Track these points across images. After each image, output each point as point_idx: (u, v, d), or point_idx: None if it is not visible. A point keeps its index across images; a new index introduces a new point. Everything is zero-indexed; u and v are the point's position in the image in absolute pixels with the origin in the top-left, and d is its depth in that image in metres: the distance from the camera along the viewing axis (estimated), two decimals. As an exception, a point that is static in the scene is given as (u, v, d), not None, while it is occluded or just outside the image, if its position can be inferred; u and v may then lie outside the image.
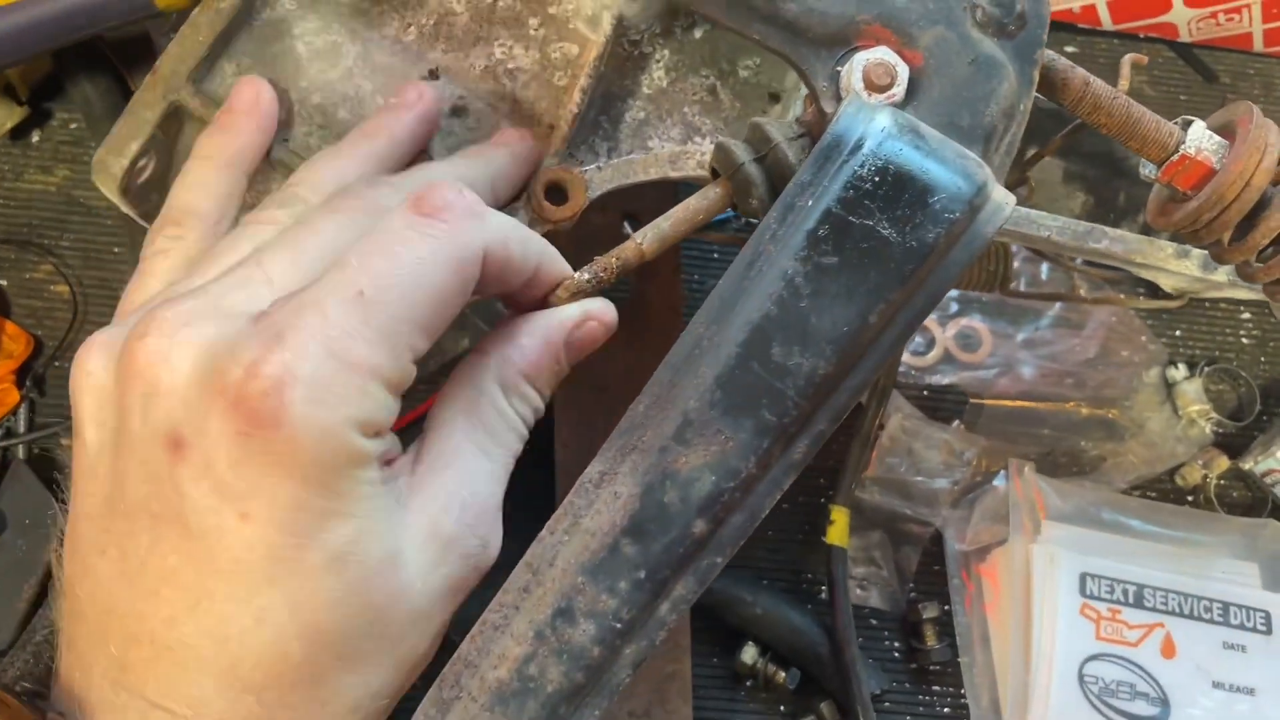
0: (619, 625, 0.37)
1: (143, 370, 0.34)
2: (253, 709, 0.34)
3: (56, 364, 0.67)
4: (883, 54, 0.45)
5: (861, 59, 0.45)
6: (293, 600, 0.34)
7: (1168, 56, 0.88)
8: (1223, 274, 0.53)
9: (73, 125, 0.72)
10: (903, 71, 0.45)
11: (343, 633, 0.35)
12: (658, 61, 0.58)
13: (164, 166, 0.54)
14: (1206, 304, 0.78)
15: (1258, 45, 0.85)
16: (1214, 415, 0.74)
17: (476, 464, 0.39)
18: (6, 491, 0.62)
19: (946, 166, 0.40)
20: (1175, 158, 0.48)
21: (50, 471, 0.64)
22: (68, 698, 0.36)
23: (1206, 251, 0.51)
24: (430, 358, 0.40)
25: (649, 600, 0.37)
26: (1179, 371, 0.75)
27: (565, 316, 0.41)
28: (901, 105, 0.45)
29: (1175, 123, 0.49)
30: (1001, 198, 0.41)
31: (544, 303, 0.42)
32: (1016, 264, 0.74)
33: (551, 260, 0.41)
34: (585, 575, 0.37)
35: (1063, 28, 0.86)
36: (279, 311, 0.34)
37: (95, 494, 0.37)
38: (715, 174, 0.45)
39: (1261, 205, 0.48)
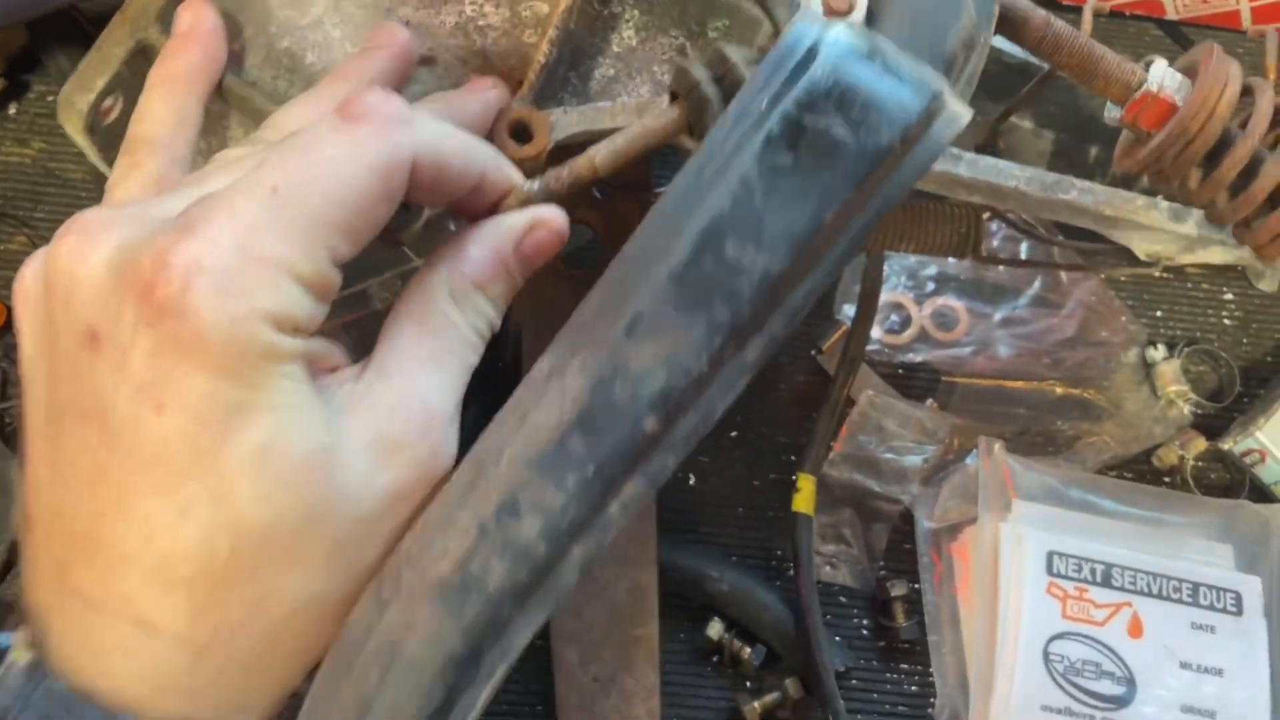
0: (566, 522, 0.36)
1: (63, 269, 0.35)
2: (181, 604, 0.33)
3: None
4: (843, -21, 0.45)
5: (822, -17, 0.45)
6: (215, 494, 0.33)
7: (1155, 35, 0.89)
8: (1192, 224, 0.53)
9: (49, 98, 0.72)
10: (862, -2, 0.45)
11: (272, 529, 0.34)
12: (627, 21, 0.58)
13: (130, 107, 0.54)
14: (1189, 284, 0.78)
15: (1245, 23, 0.85)
16: (1193, 396, 0.74)
17: (425, 372, 0.38)
18: None
19: (902, 74, 0.40)
20: (1138, 96, 0.48)
21: (19, 441, 0.63)
22: (28, 607, 0.36)
23: (1175, 203, 0.52)
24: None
25: (598, 497, 0.36)
26: (1158, 352, 0.75)
27: (512, 223, 0.41)
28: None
29: (1143, 62, 0.49)
30: (958, 108, 0.41)
31: (493, 213, 0.41)
32: (995, 243, 0.74)
33: (498, 168, 0.41)
34: (531, 470, 0.36)
35: (1049, 4, 0.87)
36: (193, 209, 0.34)
37: (35, 401, 0.37)
38: (675, 97, 0.45)
39: (1225, 143, 0.48)
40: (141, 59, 0.53)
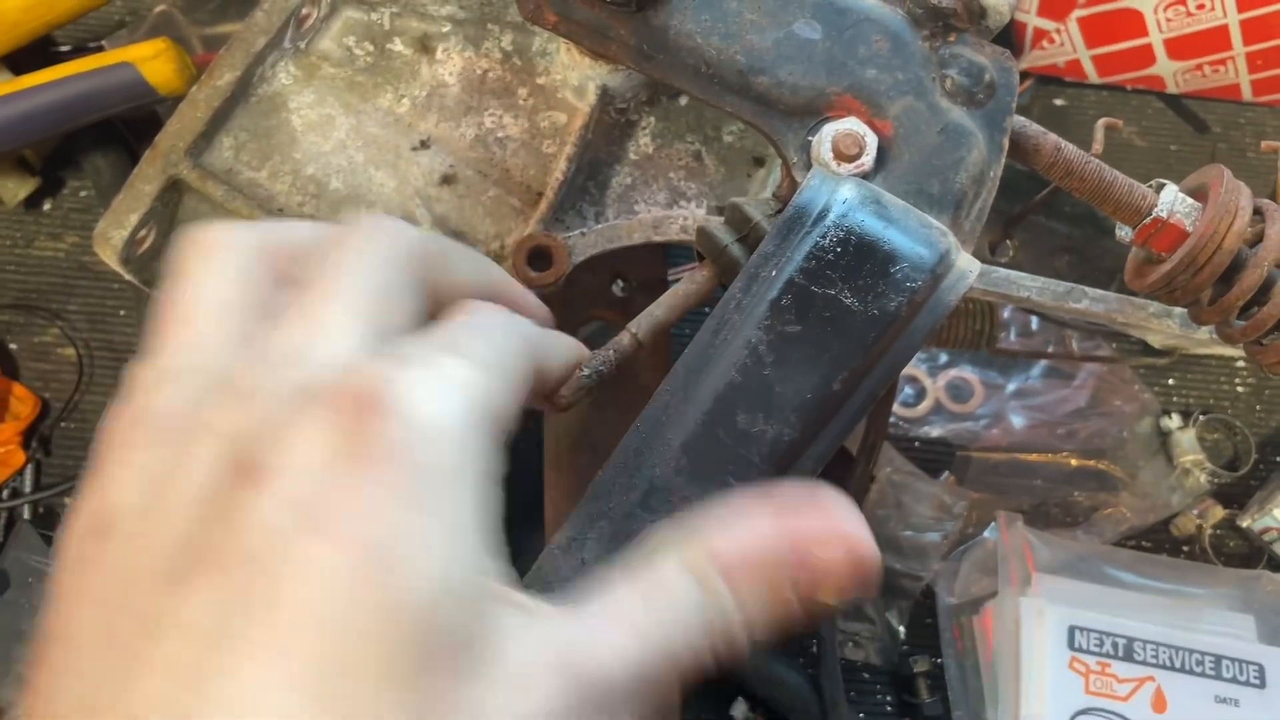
0: None
1: (225, 407, 0.28)
2: None
3: (63, 425, 0.68)
4: (851, 124, 0.45)
5: (830, 129, 0.45)
6: (362, 633, 0.25)
7: (1157, 107, 0.88)
8: (1204, 332, 0.53)
9: (83, 193, 0.73)
10: (871, 141, 0.45)
11: (407, 676, 0.26)
12: (644, 129, 0.58)
13: (163, 236, 0.55)
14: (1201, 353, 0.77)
15: (1246, 95, 0.85)
16: (1209, 465, 0.74)
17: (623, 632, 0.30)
18: (10, 551, 0.63)
19: (909, 235, 0.40)
20: (1149, 220, 0.48)
21: (55, 532, 0.65)
22: None
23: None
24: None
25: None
26: (1173, 421, 0.75)
27: (805, 524, 0.32)
28: (871, 174, 0.45)
29: (1149, 186, 0.49)
30: (966, 265, 0.41)
31: (552, 400, 0.41)
32: (1006, 314, 0.74)
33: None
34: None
35: (1052, 81, 0.86)
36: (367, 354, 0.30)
37: (112, 565, 0.27)
38: (701, 257, 0.46)
39: (1236, 267, 0.48)
40: (172, 193, 0.54)
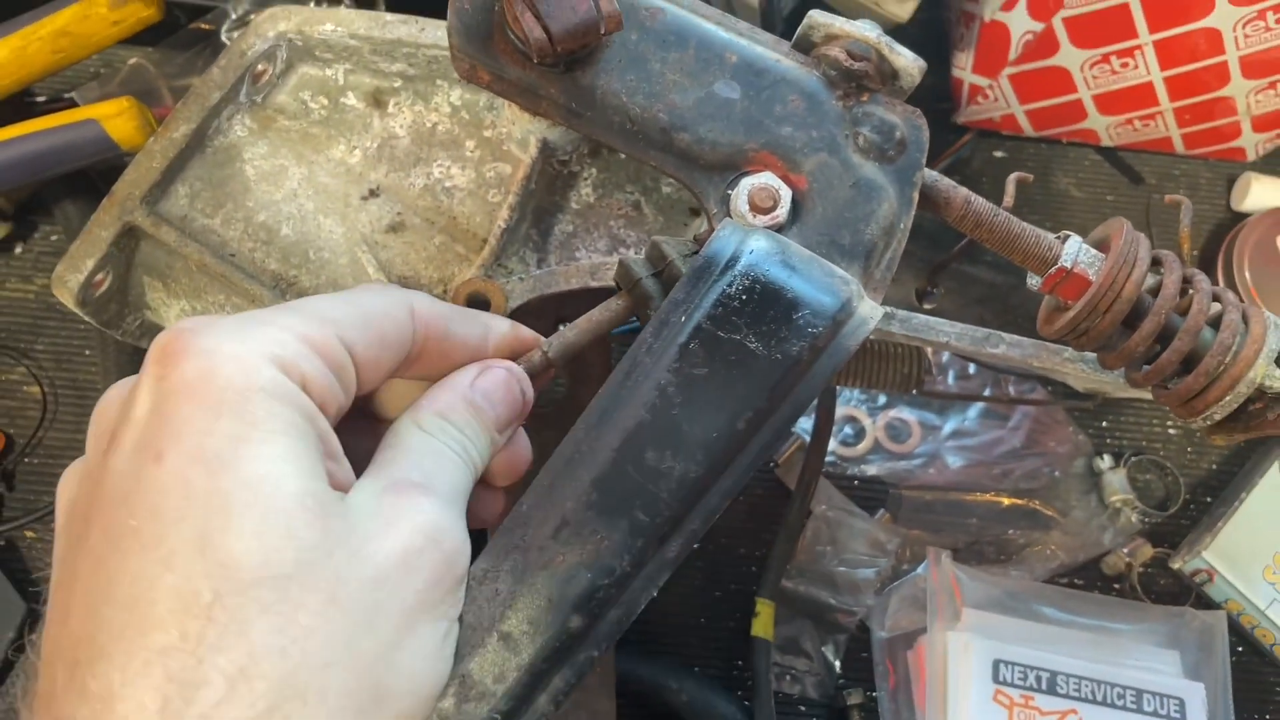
0: (498, 717, 0.37)
1: (97, 419, 0.35)
2: (158, 674, 0.29)
3: (26, 460, 0.69)
4: (767, 179, 0.47)
5: (747, 183, 0.47)
6: (201, 537, 0.30)
7: (1094, 159, 0.91)
8: (1116, 375, 0.54)
9: (53, 237, 0.75)
10: (785, 195, 0.47)
11: (261, 572, 0.30)
12: (586, 179, 0.60)
13: (120, 280, 0.57)
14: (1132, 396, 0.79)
15: (1178, 148, 0.87)
16: (1140, 505, 0.75)
17: (418, 464, 0.37)
18: None
19: (813, 284, 0.42)
20: (1054, 270, 0.50)
21: (15, 564, 0.65)
22: None
23: (1100, 355, 0.53)
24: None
25: (527, 693, 0.38)
26: (1105, 462, 0.76)
27: (466, 368, 0.42)
28: (786, 226, 0.47)
29: (1056, 237, 0.51)
30: (867, 311, 0.43)
31: None
32: (945, 358, 0.76)
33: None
34: (465, 668, 0.38)
35: (991, 134, 0.89)
36: None
37: (58, 548, 0.34)
38: (619, 287, 0.47)
39: (1139, 314, 0.49)
40: (129, 238, 0.55)
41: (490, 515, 0.43)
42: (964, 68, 0.82)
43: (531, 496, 0.40)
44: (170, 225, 0.55)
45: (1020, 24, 0.74)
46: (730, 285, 0.41)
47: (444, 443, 0.39)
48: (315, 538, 0.31)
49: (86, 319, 0.57)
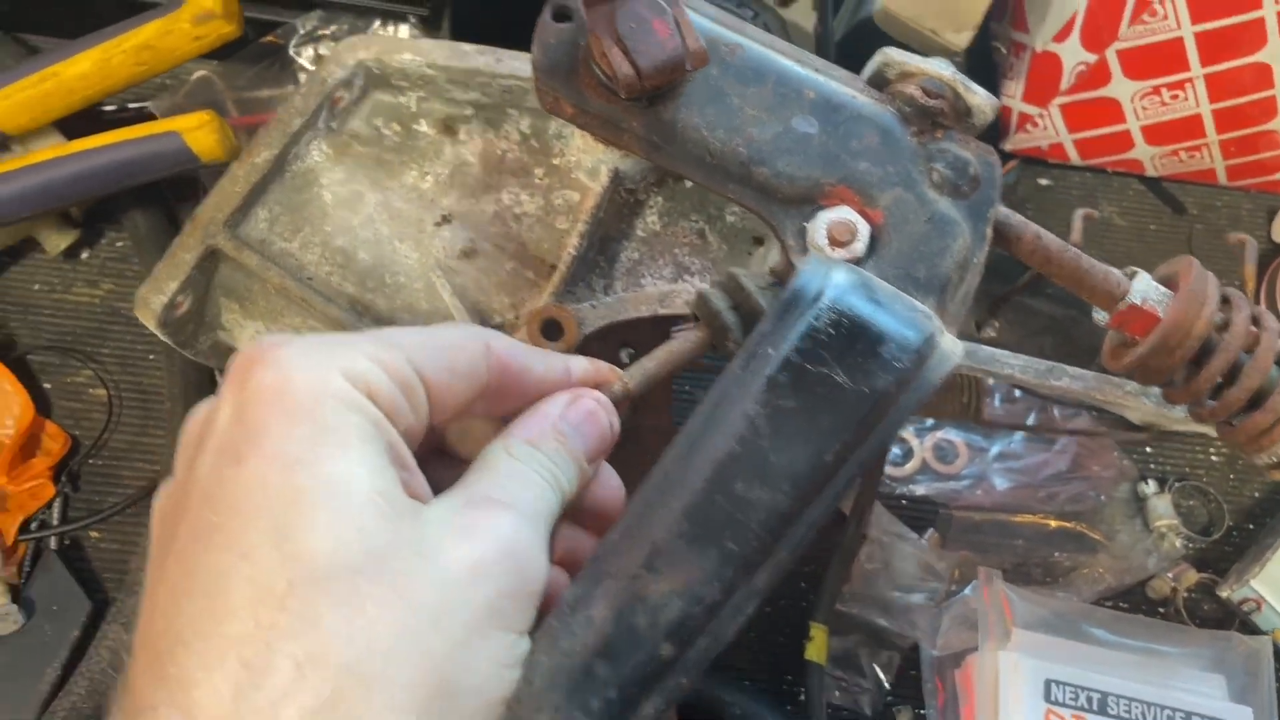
0: None
1: (184, 436, 0.36)
2: (232, 661, 0.30)
3: (91, 462, 0.70)
4: (845, 213, 0.48)
5: (825, 217, 0.48)
6: (278, 531, 0.31)
7: (1137, 189, 0.91)
8: (1180, 410, 0.55)
9: (119, 244, 0.75)
10: (863, 229, 0.47)
11: (330, 563, 0.31)
12: (652, 208, 0.61)
13: (199, 302, 0.57)
14: (1176, 424, 0.79)
15: (1221, 179, 0.87)
16: (1184, 531, 0.75)
17: (503, 486, 0.38)
18: (38, 579, 0.64)
19: (897, 318, 0.42)
20: (1123, 306, 0.50)
21: (80, 563, 0.66)
22: None
23: (1161, 391, 0.53)
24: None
25: (619, 718, 0.38)
26: (1149, 487, 0.76)
27: (557, 396, 0.42)
28: (862, 259, 0.48)
29: (1124, 273, 0.51)
30: (949, 346, 0.43)
31: None
32: (991, 381, 0.76)
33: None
34: (560, 694, 0.38)
35: (1036, 162, 0.89)
36: None
37: (152, 554, 0.35)
38: (697, 319, 0.48)
39: (1206, 351, 0.50)
40: (210, 261, 0.56)
41: (580, 556, 0.44)
42: (1013, 96, 0.82)
43: (622, 525, 0.40)
44: (251, 249, 0.56)
45: (1073, 55, 0.75)
46: (817, 319, 0.41)
47: (532, 468, 0.39)
48: (386, 535, 0.33)
49: (163, 339, 0.58)
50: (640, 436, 0.65)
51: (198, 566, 0.32)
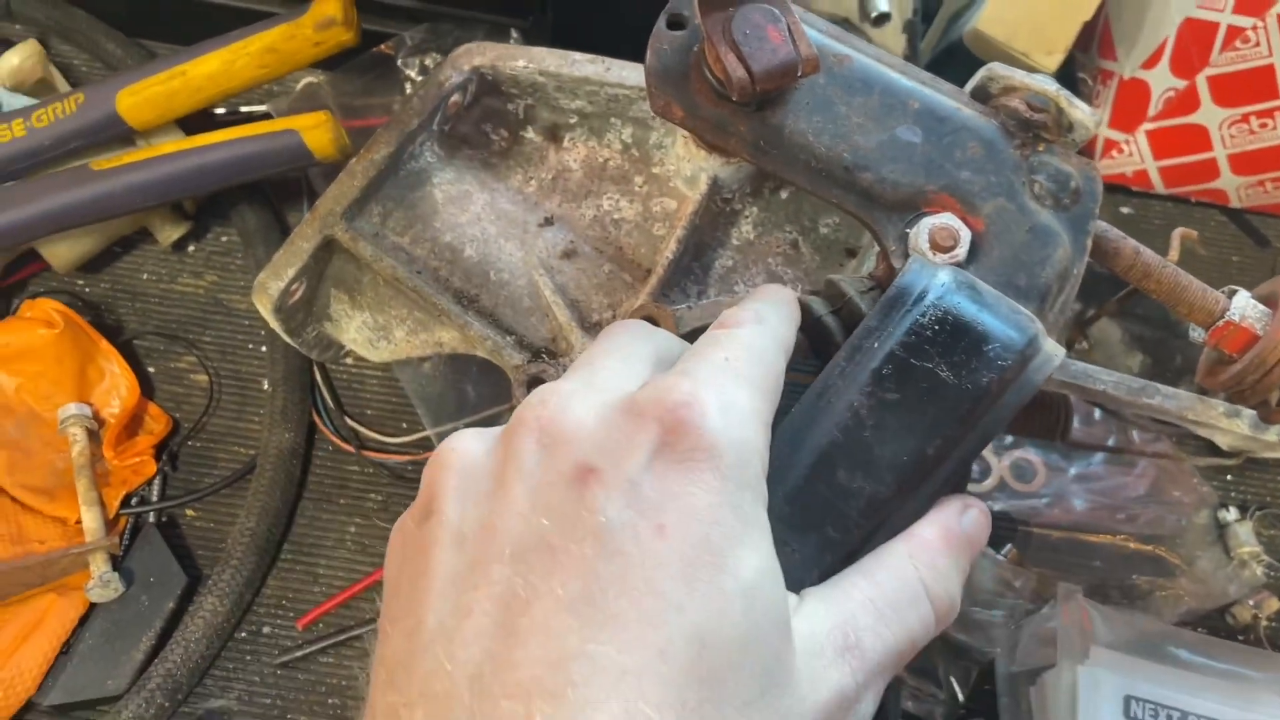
0: None
1: (539, 427, 0.34)
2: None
3: (190, 444, 0.72)
4: (947, 219, 0.48)
5: (928, 223, 0.48)
6: (699, 626, 0.30)
7: (1220, 220, 0.90)
8: (1274, 433, 0.55)
9: (224, 238, 0.78)
10: (965, 235, 0.48)
11: (733, 672, 0.30)
12: (746, 217, 0.62)
13: (311, 290, 0.59)
14: (1258, 451, 0.78)
15: (1307, 210, 0.87)
16: (1265, 558, 0.74)
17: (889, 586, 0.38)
18: (137, 552, 0.66)
19: (1001, 319, 0.43)
20: (1221, 323, 0.50)
21: (175, 539, 0.68)
22: None
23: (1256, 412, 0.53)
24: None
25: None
26: (1230, 514, 0.76)
27: (952, 504, 0.42)
28: (964, 265, 0.48)
29: (1222, 291, 0.51)
30: (1052, 349, 0.44)
31: None
32: (1080, 400, 0.76)
33: None
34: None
35: (1118, 189, 0.89)
36: (677, 365, 0.37)
37: (450, 563, 0.33)
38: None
39: (1305, 370, 0.49)
40: (325, 251, 0.58)
41: None
42: (1100, 123, 0.82)
43: (727, 508, 0.41)
44: (365, 240, 0.58)
45: (1162, 81, 0.75)
46: (923, 315, 0.42)
47: (920, 578, 0.38)
48: (775, 647, 0.32)
49: (274, 326, 0.60)
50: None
51: (607, 639, 0.29)
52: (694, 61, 0.50)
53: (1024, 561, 0.71)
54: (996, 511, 0.74)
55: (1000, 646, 0.68)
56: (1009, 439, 0.77)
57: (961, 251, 0.48)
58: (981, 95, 0.52)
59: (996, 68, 0.51)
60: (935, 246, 0.48)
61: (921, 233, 0.48)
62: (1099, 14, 0.81)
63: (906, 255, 0.49)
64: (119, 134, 0.67)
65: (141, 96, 0.65)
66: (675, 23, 0.51)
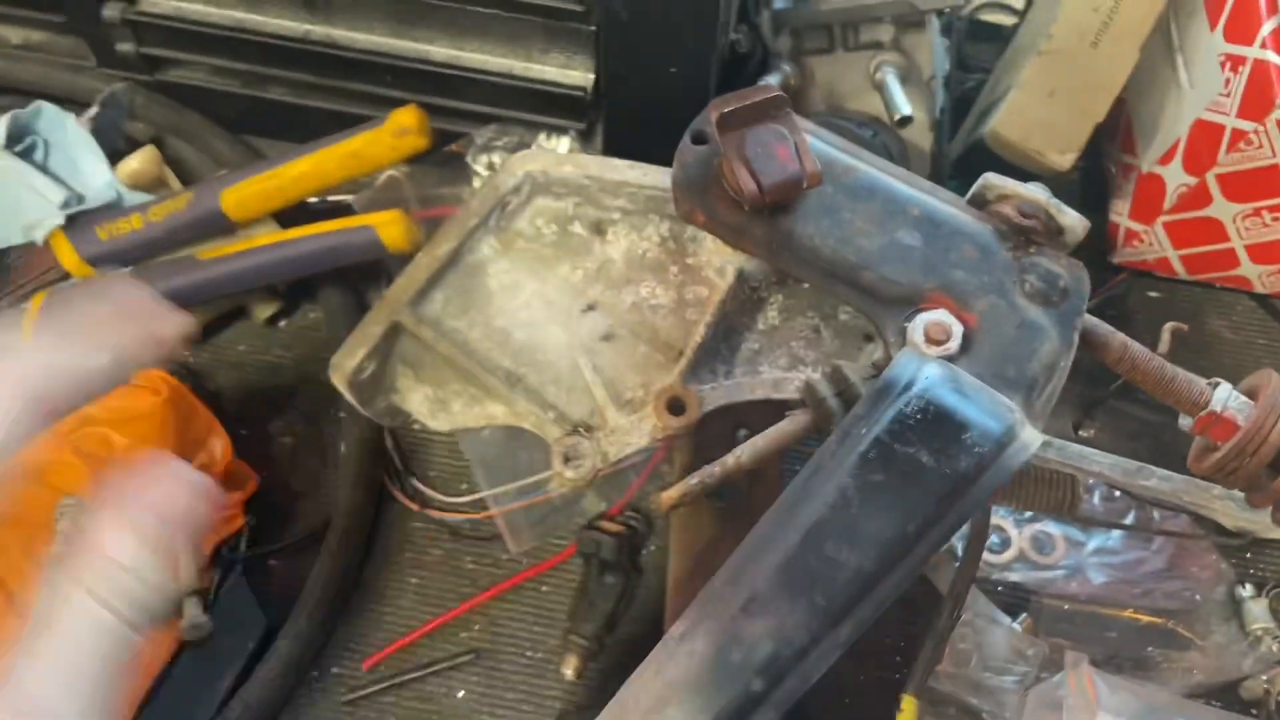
0: None
1: None
2: None
3: (274, 499, 0.77)
4: (941, 315, 0.51)
5: (924, 318, 0.51)
6: None
7: (1247, 304, 0.91)
8: (1264, 516, 0.56)
9: (311, 315, 0.84)
10: (957, 330, 0.51)
11: None
12: (772, 304, 0.66)
13: (380, 368, 0.65)
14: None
15: (1328, 297, 0.87)
16: (1280, 635, 0.74)
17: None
18: (224, 596, 0.71)
19: (980, 410, 0.46)
20: (1205, 413, 0.52)
21: (260, 584, 0.73)
22: None
23: (1249, 494, 0.55)
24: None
25: (714, 744, 0.42)
26: (1246, 591, 0.76)
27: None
28: (956, 357, 0.51)
29: (1209, 383, 0.53)
30: (1029, 438, 0.46)
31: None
32: (1090, 480, 0.77)
33: None
34: (660, 717, 0.42)
35: (1146, 274, 0.90)
36: None
37: None
38: (804, 404, 0.52)
39: (1285, 458, 0.51)
40: (393, 334, 0.63)
41: None
42: (1121, 214, 0.85)
43: (725, 574, 0.44)
44: (427, 325, 0.63)
45: (1175, 177, 0.77)
46: (907, 405, 0.45)
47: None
48: None
49: (349, 398, 0.65)
50: (753, 510, 0.69)
51: None
52: (714, 173, 0.54)
53: (1038, 631, 0.73)
54: (1013, 582, 0.76)
55: (1010, 712, 0.70)
56: (1028, 513, 0.78)
57: (954, 345, 0.51)
58: (979, 202, 0.55)
59: (991, 178, 0.55)
60: (930, 340, 0.51)
61: (917, 327, 0.51)
62: (1121, 111, 0.84)
63: (904, 347, 0.52)
64: (222, 227, 0.74)
65: (242, 194, 0.71)
66: (698, 138, 0.56)
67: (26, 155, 0.75)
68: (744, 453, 0.51)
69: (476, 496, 0.75)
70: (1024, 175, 0.55)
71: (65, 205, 0.72)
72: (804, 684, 0.44)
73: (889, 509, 0.44)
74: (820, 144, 0.54)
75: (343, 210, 0.79)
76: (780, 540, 0.44)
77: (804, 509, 0.45)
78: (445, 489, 0.77)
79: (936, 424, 0.45)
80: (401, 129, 0.68)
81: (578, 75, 0.77)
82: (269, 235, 0.72)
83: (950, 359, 0.51)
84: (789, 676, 0.43)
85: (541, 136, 0.83)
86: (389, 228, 0.68)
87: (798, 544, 0.44)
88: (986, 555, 0.76)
